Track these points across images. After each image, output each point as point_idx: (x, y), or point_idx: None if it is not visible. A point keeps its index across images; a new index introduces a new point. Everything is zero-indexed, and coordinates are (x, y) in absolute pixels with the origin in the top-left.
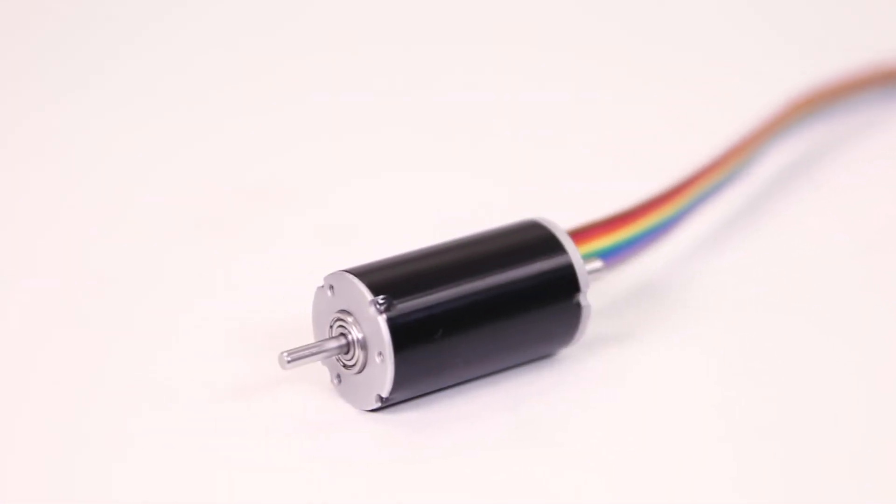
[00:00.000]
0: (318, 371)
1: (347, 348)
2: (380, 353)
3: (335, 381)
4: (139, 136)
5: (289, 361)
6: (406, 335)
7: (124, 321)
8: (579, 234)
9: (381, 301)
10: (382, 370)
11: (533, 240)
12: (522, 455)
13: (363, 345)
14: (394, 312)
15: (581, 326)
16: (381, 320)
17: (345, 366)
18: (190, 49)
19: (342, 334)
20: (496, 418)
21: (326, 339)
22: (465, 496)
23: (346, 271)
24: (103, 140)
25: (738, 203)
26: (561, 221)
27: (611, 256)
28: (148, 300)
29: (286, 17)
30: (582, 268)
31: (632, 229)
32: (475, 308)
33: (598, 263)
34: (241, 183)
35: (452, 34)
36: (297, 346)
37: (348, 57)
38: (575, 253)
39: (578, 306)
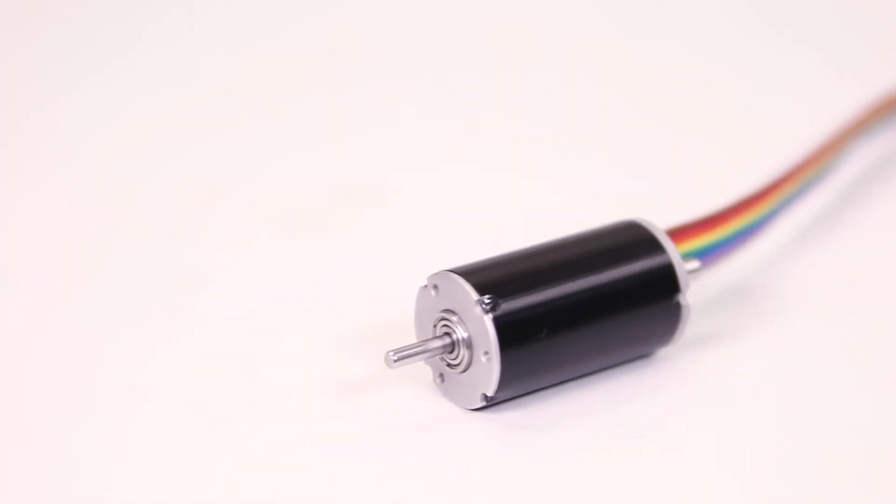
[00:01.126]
0: (421, 370)
1: (452, 347)
2: (486, 353)
3: (438, 380)
4: (140, 136)
5: (395, 360)
6: (512, 334)
7: (216, 320)
8: (676, 234)
9: (487, 301)
10: (488, 369)
11: (633, 240)
12: (624, 455)
13: (468, 344)
14: (500, 312)
15: (681, 326)
16: (488, 320)
17: (449, 365)
18: (190, 49)
19: (447, 333)
20: (597, 418)
21: (431, 339)
22: (569, 495)
23: (451, 271)
24: (104, 140)
25: (829, 202)
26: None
27: (705, 256)
28: (247, 299)
29: (286, 18)
30: (682, 268)
31: (725, 229)
32: (578, 308)
33: (696, 263)
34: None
35: (452, 34)
36: (402, 346)
37: (348, 57)
38: (674, 253)
39: (678, 306)
